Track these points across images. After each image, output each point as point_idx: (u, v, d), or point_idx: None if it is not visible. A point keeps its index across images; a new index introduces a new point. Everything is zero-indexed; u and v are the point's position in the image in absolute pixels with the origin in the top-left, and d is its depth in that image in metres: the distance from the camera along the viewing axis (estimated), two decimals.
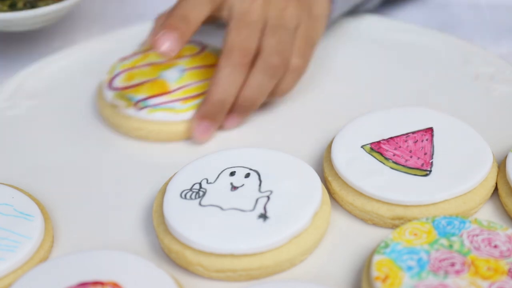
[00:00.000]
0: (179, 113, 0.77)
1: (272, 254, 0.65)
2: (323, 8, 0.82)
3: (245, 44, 0.76)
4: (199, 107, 0.77)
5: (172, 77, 0.80)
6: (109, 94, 0.79)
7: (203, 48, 0.83)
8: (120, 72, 0.81)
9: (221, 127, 0.79)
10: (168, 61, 0.81)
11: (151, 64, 0.81)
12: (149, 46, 0.83)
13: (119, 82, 0.80)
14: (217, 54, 0.81)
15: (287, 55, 0.77)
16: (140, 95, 0.78)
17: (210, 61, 0.82)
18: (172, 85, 0.79)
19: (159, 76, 0.80)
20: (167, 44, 0.73)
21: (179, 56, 0.82)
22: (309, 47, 0.80)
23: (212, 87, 0.76)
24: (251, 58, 0.76)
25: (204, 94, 0.78)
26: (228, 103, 0.77)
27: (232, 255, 0.64)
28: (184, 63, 0.81)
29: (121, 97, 0.78)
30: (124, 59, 0.83)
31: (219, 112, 0.77)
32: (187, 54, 0.82)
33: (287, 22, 0.78)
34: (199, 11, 0.75)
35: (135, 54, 0.83)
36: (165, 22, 0.74)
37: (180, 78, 0.80)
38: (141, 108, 0.77)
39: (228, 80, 0.76)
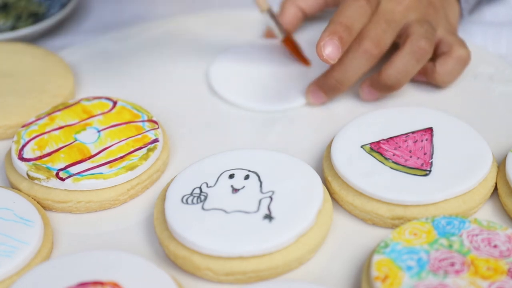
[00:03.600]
0: (108, 178, 0.71)
1: (281, 254, 0.65)
2: (456, 16, 0.85)
3: (380, 37, 0.78)
4: (319, 76, 0.80)
5: (89, 139, 0.74)
6: (23, 166, 0.72)
7: (114, 103, 0.78)
8: (28, 140, 0.74)
9: (365, 98, 0.81)
10: (80, 123, 0.76)
11: (61, 128, 0.75)
12: (54, 108, 0.77)
13: (30, 152, 0.73)
14: (130, 107, 0.77)
15: (433, 42, 0.79)
16: (59, 163, 0.72)
17: (124, 117, 0.76)
18: (92, 149, 0.73)
19: (75, 140, 0.74)
20: (329, 49, 0.74)
21: (90, 115, 0.76)
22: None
23: (337, 63, 0.78)
24: (382, 52, 0.78)
25: (130, 155, 0.73)
26: (345, 86, 0.79)
27: (241, 258, 0.64)
28: (97, 122, 0.76)
29: (37, 168, 0.71)
30: (28, 125, 0.76)
31: (333, 90, 0.79)
32: (99, 112, 0.77)
33: (430, 21, 0.81)
34: (361, 22, 0.77)
35: (39, 118, 0.76)
36: (329, 28, 0.75)
37: (98, 140, 0.74)
38: (64, 178, 0.71)
39: (352, 64, 0.78)
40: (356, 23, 0.76)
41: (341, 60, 0.78)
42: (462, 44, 0.80)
